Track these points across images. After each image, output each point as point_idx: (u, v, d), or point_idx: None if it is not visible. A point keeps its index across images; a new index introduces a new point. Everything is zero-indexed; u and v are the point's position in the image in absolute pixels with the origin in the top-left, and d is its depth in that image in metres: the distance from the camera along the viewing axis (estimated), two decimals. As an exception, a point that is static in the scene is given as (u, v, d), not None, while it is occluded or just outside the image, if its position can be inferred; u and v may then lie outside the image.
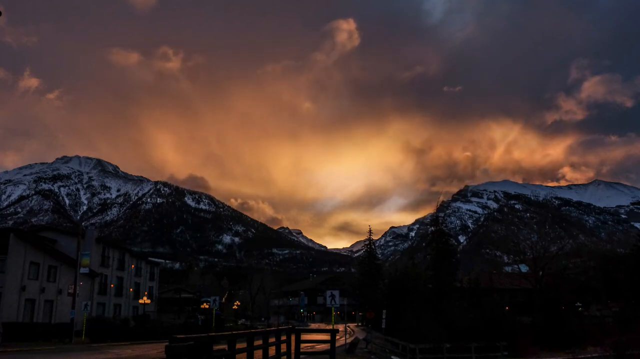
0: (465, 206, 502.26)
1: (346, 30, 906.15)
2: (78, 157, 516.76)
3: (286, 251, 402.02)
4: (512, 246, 65.37)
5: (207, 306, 72.52)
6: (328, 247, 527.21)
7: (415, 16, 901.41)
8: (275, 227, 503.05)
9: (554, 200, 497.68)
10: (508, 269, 79.85)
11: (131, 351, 26.50)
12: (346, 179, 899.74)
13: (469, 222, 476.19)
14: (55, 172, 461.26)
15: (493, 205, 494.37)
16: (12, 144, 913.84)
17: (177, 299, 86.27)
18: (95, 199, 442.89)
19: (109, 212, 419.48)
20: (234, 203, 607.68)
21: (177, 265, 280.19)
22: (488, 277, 67.49)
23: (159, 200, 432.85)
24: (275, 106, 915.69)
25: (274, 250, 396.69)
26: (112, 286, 56.99)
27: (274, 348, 15.26)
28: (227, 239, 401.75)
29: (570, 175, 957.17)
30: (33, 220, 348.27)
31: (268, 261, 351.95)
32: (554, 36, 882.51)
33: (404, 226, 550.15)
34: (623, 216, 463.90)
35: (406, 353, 39.56)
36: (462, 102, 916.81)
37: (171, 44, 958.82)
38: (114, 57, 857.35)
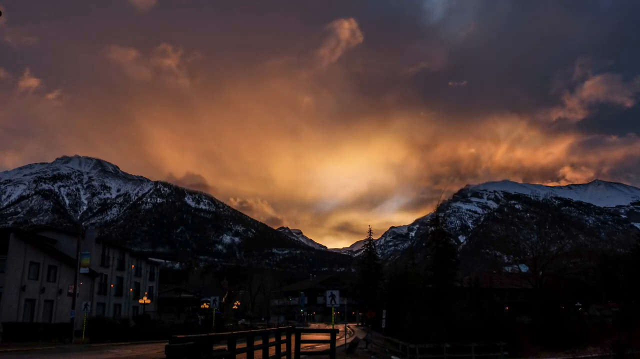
0: (465, 206, 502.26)
1: (348, 29, 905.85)
2: (78, 157, 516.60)
3: (286, 251, 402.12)
4: (512, 246, 65.35)
5: (207, 306, 72.55)
6: (328, 247, 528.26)
7: (416, 16, 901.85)
8: (275, 227, 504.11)
9: (554, 200, 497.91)
10: (508, 269, 79.82)
11: (131, 351, 26.49)
12: (347, 178, 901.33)
13: (469, 222, 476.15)
14: (55, 172, 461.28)
15: (493, 205, 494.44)
16: (12, 144, 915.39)
17: (177, 299, 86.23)
18: (95, 199, 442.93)
19: (109, 212, 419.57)
20: (233, 203, 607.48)
21: (177, 265, 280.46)
22: (488, 277, 67.56)
23: (159, 200, 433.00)
24: (275, 101, 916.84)
25: (274, 250, 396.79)
26: (112, 286, 56.99)
27: (274, 348, 15.26)
28: (227, 239, 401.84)
29: (570, 175, 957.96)
30: (33, 220, 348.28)
31: (268, 261, 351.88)
32: (553, 36, 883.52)
33: (404, 226, 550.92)
34: (623, 216, 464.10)
35: (406, 353, 39.60)
36: (465, 101, 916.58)
37: (171, 44, 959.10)
38: (113, 57, 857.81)
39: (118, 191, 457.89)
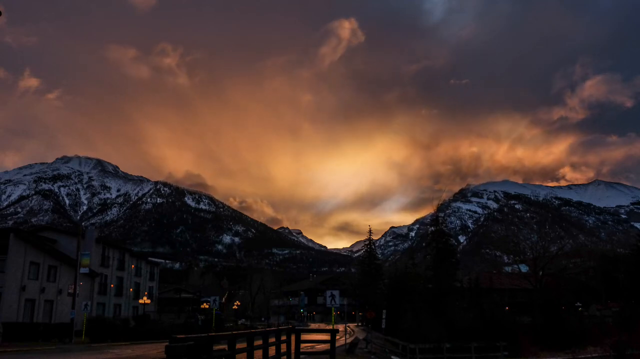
0: (465, 206, 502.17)
1: (348, 29, 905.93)
2: (78, 157, 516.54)
3: (286, 251, 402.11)
4: (512, 246, 65.33)
5: (207, 306, 72.54)
6: (328, 247, 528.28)
7: (416, 16, 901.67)
8: (275, 227, 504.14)
9: (554, 200, 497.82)
10: (508, 269, 79.81)
11: (131, 351, 26.49)
12: (348, 176, 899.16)
13: (469, 222, 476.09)
14: (55, 172, 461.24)
15: (493, 205, 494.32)
16: (12, 144, 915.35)
17: (177, 299, 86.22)
18: (95, 199, 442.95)
19: (109, 212, 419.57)
20: (233, 203, 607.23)
21: (177, 265, 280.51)
22: (488, 277, 67.56)
23: (159, 200, 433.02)
24: (275, 100, 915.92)
25: (274, 250, 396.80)
26: (112, 286, 56.98)
27: (274, 348, 15.26)
28: (227, 239, 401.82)
29: (570, 175, 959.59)
30: (33, 220, 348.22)
31: (268, 261, 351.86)
32: (553, 36, 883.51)
33: (404, 226, 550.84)
34: (623, 216, 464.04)
35: (406, 353, 39.60)
36: (465, 101, 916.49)
37: (171, 44, 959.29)
38: (113, 57, 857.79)
39: (118, 191, 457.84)
